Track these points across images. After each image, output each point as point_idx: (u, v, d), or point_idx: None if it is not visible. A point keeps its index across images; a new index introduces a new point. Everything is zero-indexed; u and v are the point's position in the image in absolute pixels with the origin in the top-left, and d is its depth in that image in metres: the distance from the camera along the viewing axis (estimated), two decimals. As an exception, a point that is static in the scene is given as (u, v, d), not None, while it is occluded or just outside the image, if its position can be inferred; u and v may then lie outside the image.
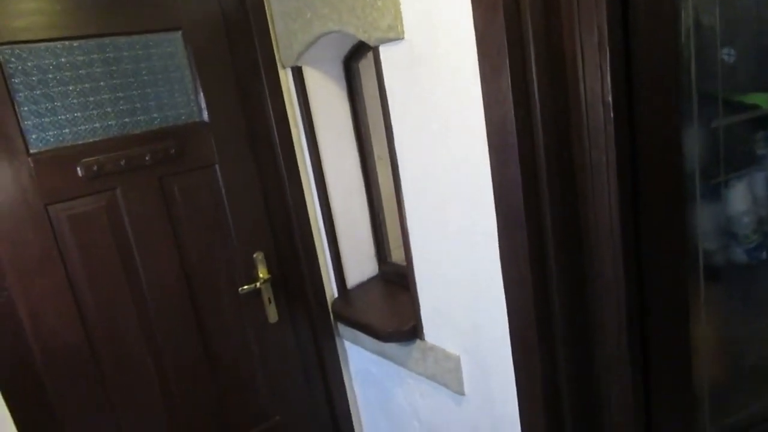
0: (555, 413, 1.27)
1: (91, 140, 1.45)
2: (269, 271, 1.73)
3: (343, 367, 1.91)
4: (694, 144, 1.30)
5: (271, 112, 1.68)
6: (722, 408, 1.45)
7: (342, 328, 1.87)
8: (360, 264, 1.89)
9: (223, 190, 1.64)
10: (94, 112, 1.45)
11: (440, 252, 1.41)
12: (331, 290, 1.87)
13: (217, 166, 1.63)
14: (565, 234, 1.19)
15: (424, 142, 1.33)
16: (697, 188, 1.34)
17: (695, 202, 1.34)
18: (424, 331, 1.55)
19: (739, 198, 1.40)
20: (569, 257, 1.21)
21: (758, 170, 1.44)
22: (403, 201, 1.46)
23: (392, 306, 1.74)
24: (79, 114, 1.43)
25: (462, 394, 1.48)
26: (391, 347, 1.67)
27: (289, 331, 1.81)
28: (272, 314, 1.76)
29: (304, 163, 1.76)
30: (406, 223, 1.49)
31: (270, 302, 1.75)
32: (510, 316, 1.25)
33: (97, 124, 1.46)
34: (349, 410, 1.94)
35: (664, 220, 1.25)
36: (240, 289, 1.69)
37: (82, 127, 1.44)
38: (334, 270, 1.84)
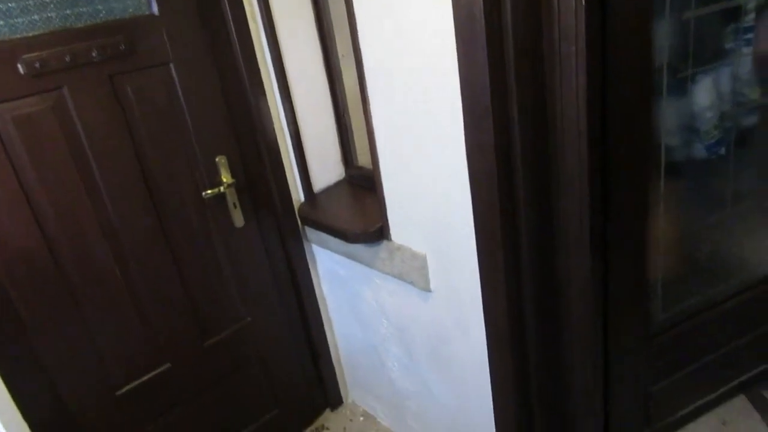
0: (517, 303, 1.32)
1: (30, 34, 1.34)
2: (233, 176, 1.69)
3: (311, 270, 1.94)
4: (664, 36, 1.28)
5: (228, 7, 1.57)
6: (675, 296, 1.54)
7: (309, 232, 1.88)
8: (326, 168, 1.87)
9: (180, 91, 1.56)
10: (31, 2, 1.33)
11: (406, 152, 1.39)
12: (298, 194, 1.85)
13: (171, 65, 1.54)
14: (532, 126, 1.18)
15: (388, 39, 1.27)
16: (664, 82, 1.33)
17: (661, 96, 1.34)
18: (391, 231, 1.56)
19: (703, 93, 1.41)
20: (535, 150, 1.20)
21: (724, 65, 1.43)
22: (368, 100, 1.42)
23: (359, 208, 1.75)
24: (13, 4, 1.31)
25: (428, 290, 1.52)
26: (358, 249, 1.69)
27: (256, 236, 1.81)
28: (238, 219, 1.74)
29: (265, 63, 1.68)
30: (371, 124, 1.45)
31: (235, 207, 1.73)
32: (475, 211, 1.26)
33: (36, 16, 1.34)
34: (318, 310, 1.99)
35: (630, 114, 1.25)
36: (204, 193, 1.65)
37: (19, 20, 1.32)
38: (300, 174, 1.82)
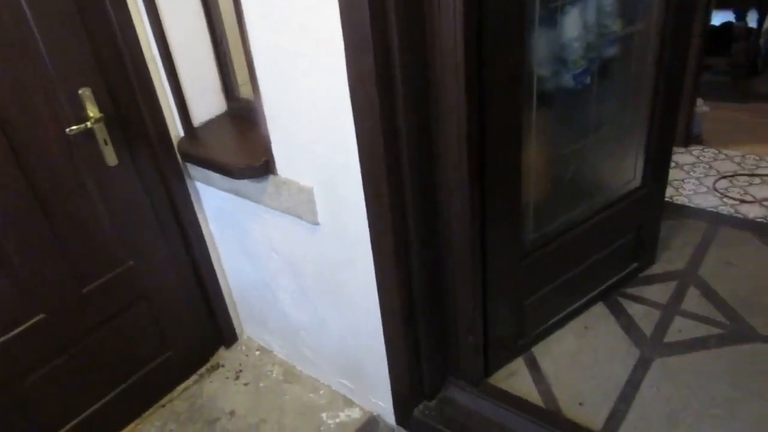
0: (402, 231, 1.37)
1: None
2: (101, 110, 1.56)
3: (196, 208, 1.87)
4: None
5: None
6: (544, 217, 1.67)
7: (192, 169, 1.80)
8: (206, 100, 1.77)
9: (29, 13, 1.39)
10: None
11: (288, 83, 1.35)
12: (176, 129, 1.75)
13: (15, -16, 1.35)
14: (411, 56, 1.19)
15: None
16: (536, 12, 1.39)
17: (533, 26, 1.40)
18: (277, 165, 1.53)
19: (571, 24, 1.48)
20: (415, 80, 1.22)
21: (590, -3, 1.51)
22: (245, 27, 1.35)
23: (243, 143, 1.69)
24: None
25: (317, 224, 1.53)
26: (244, 184, 1.65)
27: (133, 174, 1.70)
28: (110, 157, 1.62)
29: (128, -18, 1.53)
30: (250, 53, 1.39)
31: (107, 144, 1.60)
32: (359, 143, 1.27)
33: None
34: (206, 249, 1.94)
35: (505, 44, 1.29)
36: (68, 130, 1.51)
37: None
38: (177, 107, 1.71)
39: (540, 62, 1.47)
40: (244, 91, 1.80)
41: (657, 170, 1.91)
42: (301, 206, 1.52)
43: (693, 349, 1.75)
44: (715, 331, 1.81)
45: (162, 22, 1.59)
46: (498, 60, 1.29)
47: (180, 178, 1.80)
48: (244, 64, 1.44)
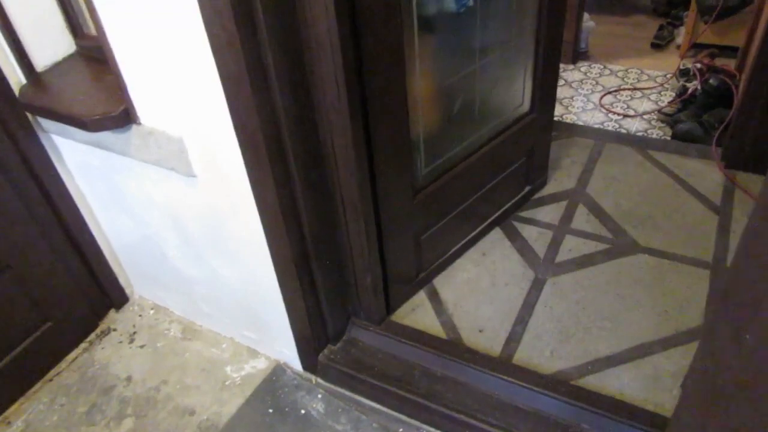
0: (284, 179, 1.28)
1: None
2: None
3: (57, 164, 1.66)
4: None
5: None
6: (435, 150, 1.62)
7: (44, 121, 1.57)
8: (47, 39, 1.53)
9: None
10: None
11: (135, 16, 1.17)
12: (16, 75, 1.51)
13: None
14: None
15: None
16: (410, -71, 1.27)
17: (408, -55, 1.28)
18: (139, 114, 1.36)
19: (449, -59, 1.38)
20: (279, 8, 1.09)
21: None
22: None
23: (99, 88, 1.48)
24: None
25: (193, 175, 1.40)
26: (106, 136, 1.47)
27: (-30, 132, 1.47)
28: (-65, 114, 1.38)
29: None
30: (88, -19, 1.18)
31: (-73, 99, 1.35)
32: (224, 83, 1.14)
33: None
34: (76, 208, 1.75)
35: (376, -34, 1.18)
36: None
37: None
38: (12, 48, 1.46)
39: (419, -16, 1.37)
40: (94, 26, 1.57)
41: (545, 94, 1.90)
42: (173, 158, 1.38)
43: (582, 266, 1.84)
44: (602, 246, 1.90)
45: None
46: (372, -16, 1.18)
47: (30, 132, 1.57)
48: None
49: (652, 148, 2.32)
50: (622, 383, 1.50)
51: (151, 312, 1.99)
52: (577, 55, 3.15)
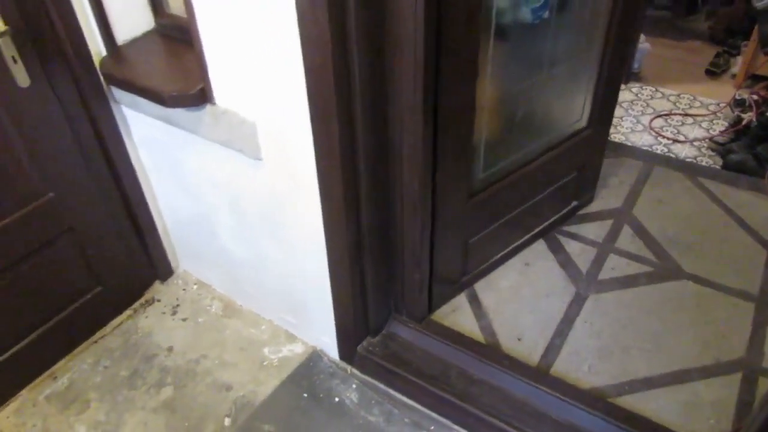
0: (351, 170, 1.31)
1: None
2: (6, 22, 1.36)
3: (124, 136, 1.72)
4: None
5: None
6: (493, 156, 1.64)
7: (118, 93, 1.63)
8: (130, 14, 1.58)
9: None
10: None
11: (228, 1, 1.21)
12: (98, 47, 1.56)
13: None
14: (368, -19, 1.08)
15: None
16: (498, -60, 1.29)
17: (495, -45, 1.30)
18: (215, 94, 1.41)
19: (533, -47, 1.40)
20: (369, 9, 1.12)
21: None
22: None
23: (176, 66, 1.53)
24: None
25: (260, 158, 1.44)
26: (177, 113, 1.52)
27: (50, 97, 1.52)
28: (22, 77, 1.43)
29: None
30: (183, -38, 1.23)
31: (15, 62, 1.41)
32: (308, 73, 1.17)
33: None
34: (137, 180, 1.80)
35: (465, -28, 1.20)
36: (-33, 44, 1.31)
37: None
38: (98, 21, 1.52)
39: (500, -7, 1.39)
40: (174, 6, 1.62)
41: (603, 111, 1.91)
42: (243, 140, 1.42)
43: (624, 286, 1.84)
44: (645, 268, 1.90)
45: None
46: (458, -11, 1.21)
47: (104, 103, 1.63)
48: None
49: (701, 176, 2.31)
50: (659, 406, 1.51)
51: (195, 287, 2.04)
52: (630, 76, 3.13)
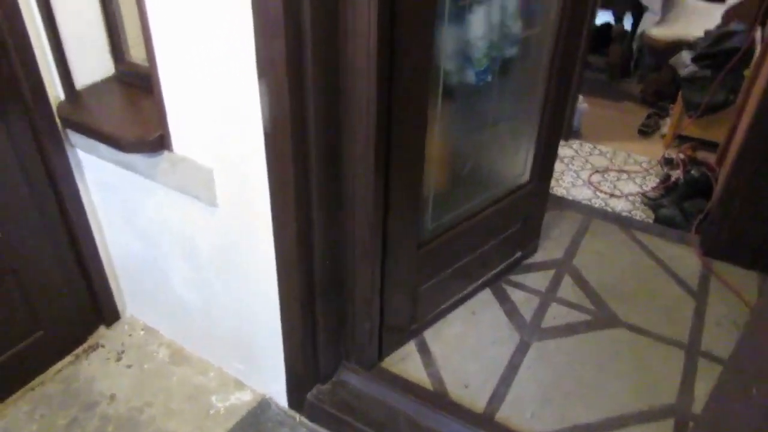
0: (305, 220, 1.36)
1: None
2: (-37, 63, 1.37)
3: (77, 179, 1.71)
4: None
5: None
6: (441, 208, 1.72)
7: (73, 136, 1.64)
8: (90, 60, 1.61)
9: None
10: None
11: (190, 53, 1.27)
12: (56, 91, 1.58)
13: None
14: (324, 40, 1.16)
15: None
16: (446, 9, 1.41)
17: (443, 22, 1.42)
18: (173, 141, 1.44)
19: (478, 23, 1.52)
20: (325, 66, 1.20)
21: (497, -2, 1.56)
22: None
23: (135, 112, 1.57)
24: None
25: (215, 205, 1.47)
26: (134, 158, 1.54)
27: (3, 137, 1.52)
28: (-26, 117, 1.43)
29: None
30: (145, 11, 1.28)
31: (-31, 102, 1.41)
32: (265, 124, 1.23)
33: None
34: (87, 222, 1.79)
35: (415, 39, 1.30)
36: None
37: None
38: (57, 65, 1.54)
39: (447, 57, 1.50)
40: (135, 53, 1.66)
41: (544, 166, 2.04)
42: (199, 186, 1.45)
43: (565, 334, 1.92)
44: (584, 317, 1.99)
45: (42, -30, 1.42)
46: (408, 53, 1.30)
47: (59, 145, 1.63)
48: (136, 21, 1.33)
49: (635, 228, 2.46)
50: (597, 451, 1.57)
51: (142, 333, 2.01)
52: (570, 133, 3.34)
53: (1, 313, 1.67)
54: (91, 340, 1.96)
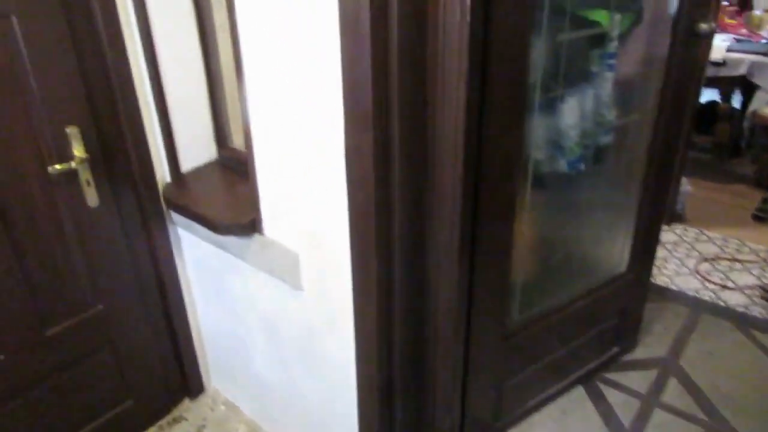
0: (386, 308, 1.33)
1: None
2: (87, 150, 1.52)
3: (176, 256, 1.81)
4: (539, 56, 1.33)
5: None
6: (530, 298, 1.64)
7: (176, 216, 1.75)
8: (196, 146, 1.74)
9: (23, 48, 1.35)
10: None
11: (283, 142, 1.33)
12: (163, 173, 1.71)
13: (14, 18, 1.33)
14: (411, 131, 1.18)
15: (269, 8, 1.18)
16: (536, 99, 1.39)
17: (533, 112, 1.40)
18: (264, 225, 1.49)
19: (569, 112, 1.49)
20: (412, 157, 1.20)
21: (589, 87, 1.53)
22: (244, 77, 1.33)
23: (231, 196, 1.65)
24: None
25: (300, 289, 1.48)
26: (228, 239, 1.61)
27: (114, 216, 1.65)
28: (92, 198, 1.57)
29: (129, 24, 1.51)
30: (246, 104, 1.37)
31: (89, 185, 1.55)
32: (351, 214, 1.24)
33: None
34: (182, 298, 1.87)
35: (505, 128, 1.29)
36: (50, 168, 1.46)
37: None
38: (166, 151, 1.67)
39: (537, 146, 1.47)
40: (237, 140, 1.78)
41: (644, 255, 1.90)
42: (285, 269, 1.48)
43: (671, 446, 1.72)
44: (695, 428, 1.77)
45: (158, 66, 1.57)
46: (497, 142, 1.29)
47: (162, 225, 1.75)
48: (240, 112, 1.42)
49: (754, 327, 2.21)
50: None
51: (223, 408, 2.02)
52: (673, 217, 3.13)
53: (96, 380, 1.75)
54: (175, 412, 2.00)
